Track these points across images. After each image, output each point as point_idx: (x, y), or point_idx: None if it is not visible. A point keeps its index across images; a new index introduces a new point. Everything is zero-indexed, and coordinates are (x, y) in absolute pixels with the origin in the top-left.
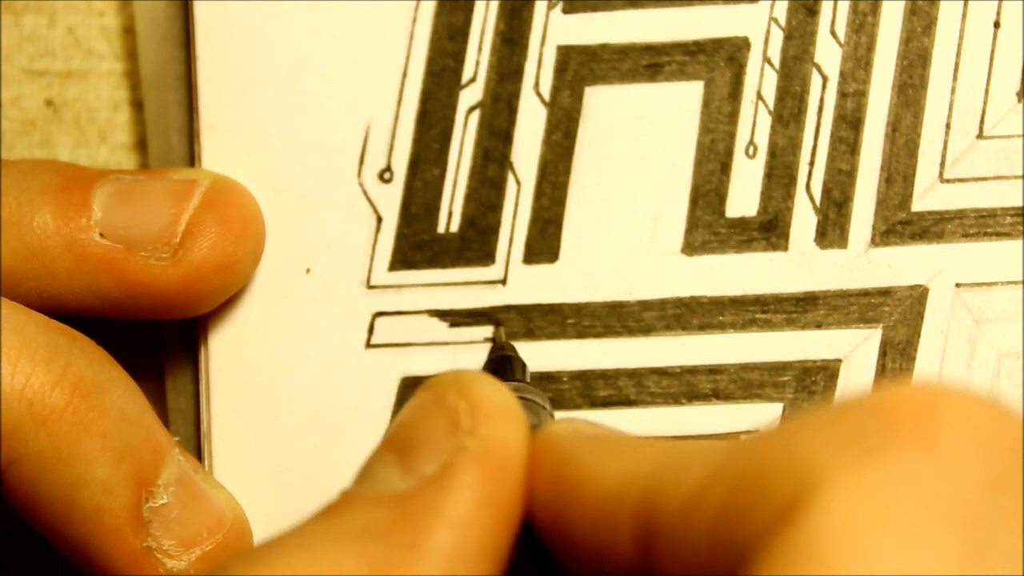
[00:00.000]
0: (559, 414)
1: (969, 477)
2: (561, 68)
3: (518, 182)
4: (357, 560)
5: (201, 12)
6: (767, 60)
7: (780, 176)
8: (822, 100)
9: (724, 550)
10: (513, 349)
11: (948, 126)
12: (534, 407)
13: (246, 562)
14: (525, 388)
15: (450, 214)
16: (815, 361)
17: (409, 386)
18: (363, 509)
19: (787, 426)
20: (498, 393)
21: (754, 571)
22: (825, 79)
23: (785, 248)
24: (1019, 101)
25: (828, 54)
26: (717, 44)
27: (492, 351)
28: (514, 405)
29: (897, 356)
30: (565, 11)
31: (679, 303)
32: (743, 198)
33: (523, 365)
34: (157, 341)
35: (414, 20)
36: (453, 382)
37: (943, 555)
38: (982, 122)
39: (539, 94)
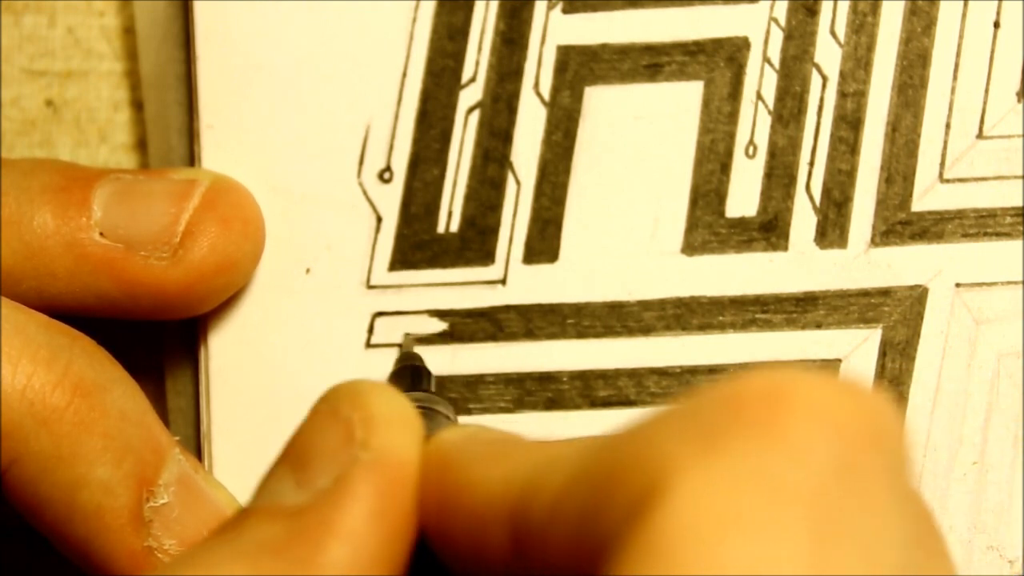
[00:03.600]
0: (559, 414)
1: (817, 464)
2: (561, 68)
3: (518, 182)
4: None
5: (201, 12)
6: (767, 60)
7: (780, 176)
8: (822, 100)
9: (586, 550)
10: (419, 358)
11: (948, 126)
12: (436, 417)
13: None
14: (428, 398)
15: (450, 214)
16: (815, 361)
17: None
18: (258, 525)
19: (641, 422)
20: (393, 403)
21: (607, 571)
22: (825, 79)
23: (785, 248)
24: (1019, 101)
25: (828, 54)
26: (717, 44)
27: (398, 360)
28: (408, 415)
29: (897, 356)
30: (565, 11)
31: (679, 303)
32: (743, 198)
33: (429, 374)
34: (157, 341)
35: (414, 20)
36: (348, 393)
37: (790, 546)
38: (982, 122)
39: (539, 94)
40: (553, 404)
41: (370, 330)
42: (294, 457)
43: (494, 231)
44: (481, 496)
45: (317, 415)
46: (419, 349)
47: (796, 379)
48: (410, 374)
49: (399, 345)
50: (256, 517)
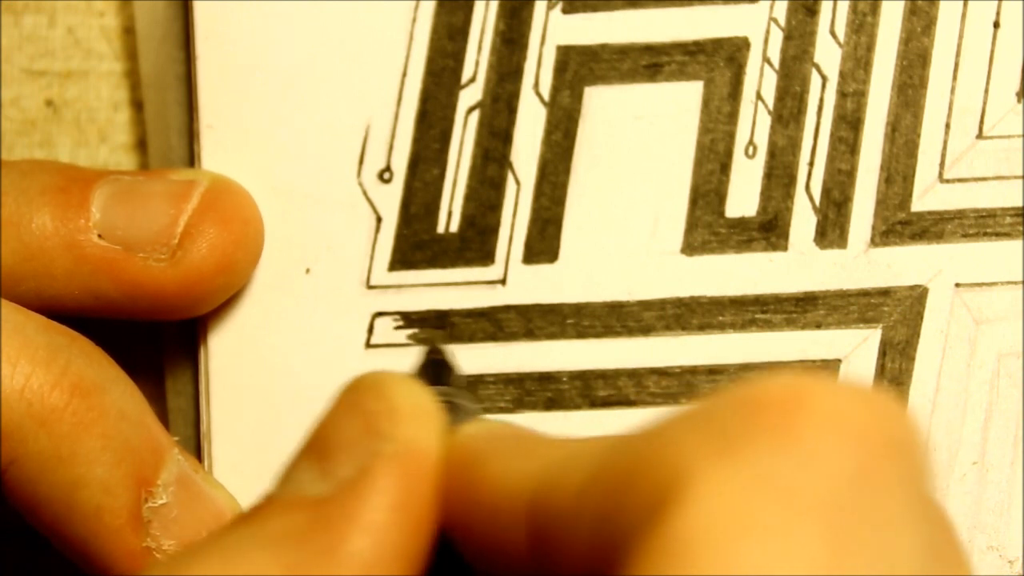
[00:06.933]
0: (559, 414)
1: (833, 471)
2: (561, 68)
3: (518, 182)
4: (271, 566)
5: (201, 12)
6: (767, 60)
7: (780, 176)
8: (822, 100)
9: (602, 548)
10: (443, 353)
11: (948, 126)
12: (458, 411)
13: (162, 567)
14: (452, 392)
15: (450, 214)
16: (815, 361)
17: None
18: (281, 513)
19: (660, 423)
20: (415, 396)
21: (623, 572)
22: (825, 79)
23: (785, 248)
24: (1019, 101)
25: (828, 54)
26: (717, 44)
27: (424, 354)
28: (431, 408)
29: (897, 356)
30: (565, 11)
31: (679, 303)
32: (743, 198)
33: (452, 368)
34: (157, 341)
35: (414, 20)
36: (371, 384)
37: (805, 553)
38: (982, 122)
39: (539, 94)
40: (553, 404)
41: (370, 330)
42: (317, 447)
43: (494, 231)
44: (499, 491)
45: (340, 406)
46: (420, 349)
47: (816, 385)
48: (433, 368)
49: (400, 344)
50: (278, 506)
